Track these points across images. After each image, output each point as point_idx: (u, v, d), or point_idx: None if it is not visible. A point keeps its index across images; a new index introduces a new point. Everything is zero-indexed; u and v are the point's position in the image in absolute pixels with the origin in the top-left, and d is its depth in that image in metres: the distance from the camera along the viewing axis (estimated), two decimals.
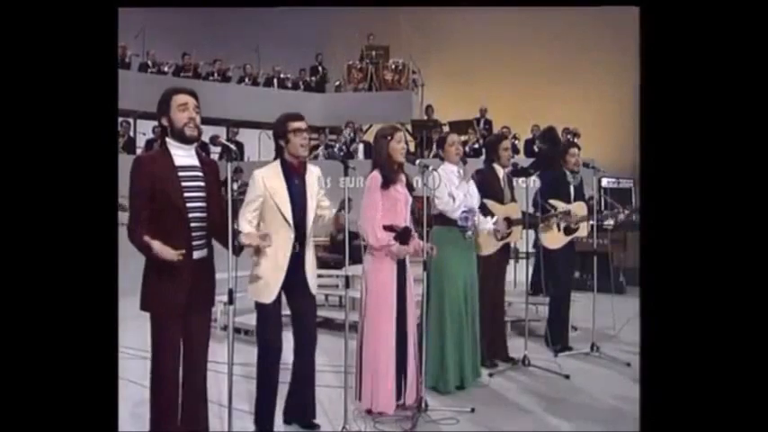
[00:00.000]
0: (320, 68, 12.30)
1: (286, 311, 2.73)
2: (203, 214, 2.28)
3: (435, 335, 3.33)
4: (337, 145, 10.09)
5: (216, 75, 11.25)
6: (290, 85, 11.90)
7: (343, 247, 2.69)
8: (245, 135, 10.49)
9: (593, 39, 10.69)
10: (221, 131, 10.03)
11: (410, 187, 3.04)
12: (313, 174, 2.74)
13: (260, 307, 2.66)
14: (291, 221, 2.61)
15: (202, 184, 2.29)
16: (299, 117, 2.66)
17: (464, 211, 3.40)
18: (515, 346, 4.03)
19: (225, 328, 4.39)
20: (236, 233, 2.34)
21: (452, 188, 3.41)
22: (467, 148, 9.10)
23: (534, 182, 4.64)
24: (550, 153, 5.32)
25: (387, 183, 2.90)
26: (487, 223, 3.58)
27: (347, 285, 2.80)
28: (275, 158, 2.70)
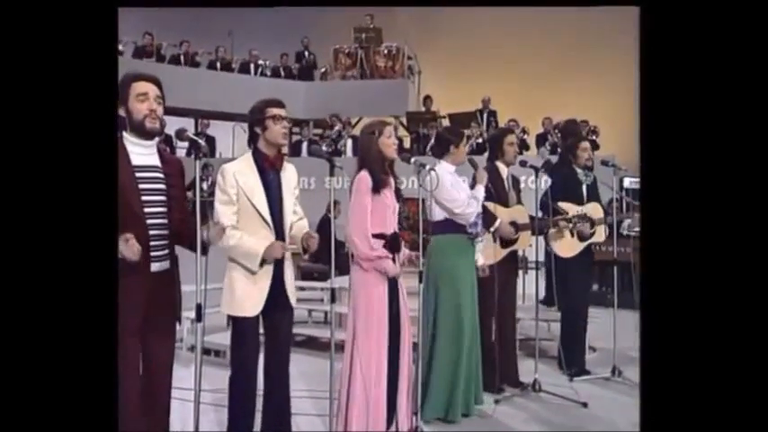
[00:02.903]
0: (306, 53, 12.26)
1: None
2: (164, 221, 2.25)
3: (447, 356, 3.31)
4: (324, 141, 10.08)
5: (183, 58, 11.19)
6: (269, 72, 11.88)
7: (329, 256, 2.69)
8: (216, 128, 10.44)
9: (608, 25, 10.79)
10: (189, 124, 9.99)
11: (398, 194, 3.05)
12: (290, 170, 2.75)
13: (237, 322, 2.65)
14: (270, 222, 2.61)
15: (163, 186, 2.27)
16: (278, 103, 2.68)
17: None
18: (524, 369, 4.02)
19: (192, 348, 4.35)
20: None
21: (466, 191, 3.43)
22: (470, 145, 9.13)
23: (546, 182, 4.65)
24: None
25: (377, 186, 2.91)
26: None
27: (333, 299, 2.79)
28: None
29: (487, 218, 3.66)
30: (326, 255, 2.72)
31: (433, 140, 8.38)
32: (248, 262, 2.57)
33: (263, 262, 2.56)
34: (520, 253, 4.36)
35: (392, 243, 2.95)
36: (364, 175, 2.93)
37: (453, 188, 3.40)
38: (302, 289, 5.98)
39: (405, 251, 3.07)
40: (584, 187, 4.26)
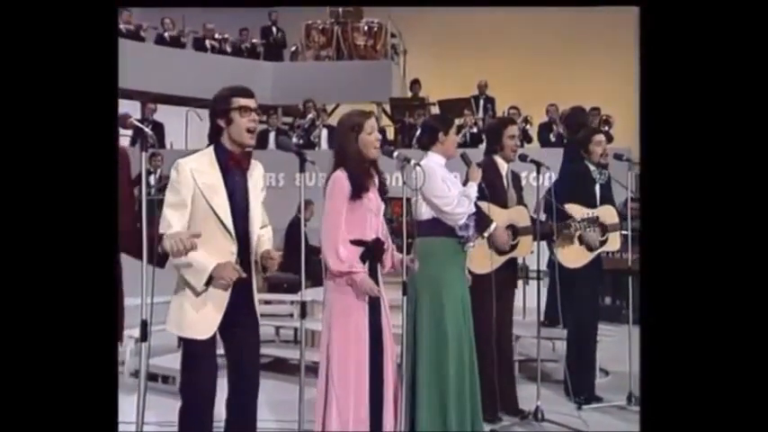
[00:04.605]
0: (274, 29, 12.21)
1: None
2: None
3: (433, 378, 3.32)
4: (295, 132, 10.06)
5: (125, 31, 11.06)
6: (228, 49, 11.81)
7: (299, 265, 2.67)
8: (165, 113, 10.35)
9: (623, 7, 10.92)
10: (133, 108, 9.90)
11: (383, 189, 3.04)
12: (258, 170, 2.74)
13: (188, 344, 2.62)
14: (232, 230, 2.59)
15: None
16: (247, 92, 2.65)
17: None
18: (526, 395, 4.03)
19: (135, 373, 4.30)
20: (159, 239, 2.32)
21: (458, 188, 3.46)
22: (463, 136, 9.18)
23: (551, 178, 4.67)
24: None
25: (357, 190, 2.90)
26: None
27: (303, 315, 2.78)
28: (210, 144, 2.68)
29: (481, 221, 3.66)
30: (297, 263, 2.70)
31: (419, 130, 8.43)
32: (193, 279, 2.52)
33: (209, 281, 2.51)
34: (520, 261, 4.37)
35: (373, 251, 2.95)
36: (340, 176, 2.91)
37: (444, 182, 3.41)
38: (268, 302, 5.96)
39: (397, 255, 3.05)
40: (596, 187, 4.26)
